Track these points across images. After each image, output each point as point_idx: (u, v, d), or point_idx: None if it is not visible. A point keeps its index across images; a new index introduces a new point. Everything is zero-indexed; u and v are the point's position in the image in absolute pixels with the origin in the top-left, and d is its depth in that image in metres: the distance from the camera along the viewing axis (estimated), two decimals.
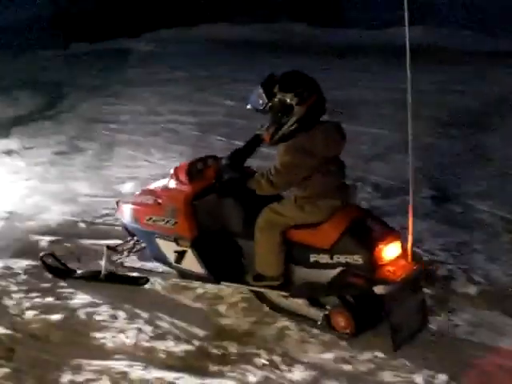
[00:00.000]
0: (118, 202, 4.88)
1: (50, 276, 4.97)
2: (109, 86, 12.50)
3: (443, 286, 4.78)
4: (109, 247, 4.82)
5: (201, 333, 4.28)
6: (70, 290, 4.77)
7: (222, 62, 14.31)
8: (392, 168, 7.34)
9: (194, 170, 4.34)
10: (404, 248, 3.85)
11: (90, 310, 4.52)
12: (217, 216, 4.29)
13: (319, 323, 4.07)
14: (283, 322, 4.34)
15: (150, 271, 4.86)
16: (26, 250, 5.39)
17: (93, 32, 18.40)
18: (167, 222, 4.32)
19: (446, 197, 6.64)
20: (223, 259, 4.31)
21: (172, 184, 4.42)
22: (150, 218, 4.41)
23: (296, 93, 3.85)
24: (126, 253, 4.89)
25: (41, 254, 5.06)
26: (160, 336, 4.22)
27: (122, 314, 4.47)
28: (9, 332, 4.24)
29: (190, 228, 4.26)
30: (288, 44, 16.79)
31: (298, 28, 18.76)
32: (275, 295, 4.28)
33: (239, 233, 4.27)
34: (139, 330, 4.29)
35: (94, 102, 11.33)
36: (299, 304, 4.20)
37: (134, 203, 4.59)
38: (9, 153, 8.48)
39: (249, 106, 4.03)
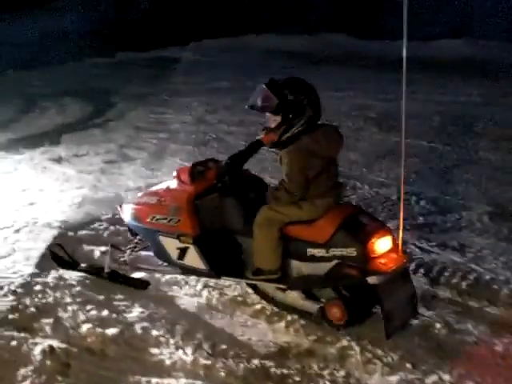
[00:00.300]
0: (120, 205, 5.04)
1: (106, 288, 4.89)
2: (156, 95, 12.54)
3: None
4: (112, 245, 5.01)
5: (261, 351, 4.16)
6: (126, 303, 4.67)
7: (267, 73, 14.10)
8: (449, 183, 7.17)
9: (195, 172, 4.51)
10: (395, 242, 4.05)
11: (146, 324, 4.41)
12: (218, 214, 4.46)
13: (314, 315, 4.28)
14: (344, 341, 4.20)
15: (153, 270, 4.95)
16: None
17: (139, 41, 18.48)
18: (170, 220, 4.49)
19: (504, 213, 6.38)
20: (224, 255, 4.47)
21: (175, 185, 4.60)
22: (154, 217, 4.58)
23: (306, 94, 4.06)
24: (128, 251, 5.03)
25: (49, 244, 5.35)
26: (219, 353, 4.10)
27: (179, 329, 4.36)
28: (64, 346, 4.13)
29: (192, 225, 4.43)
30: (328, 55, 16.70)
31: (337, 39, 18.69)
32: (272, 289, 4.48)
33: (239, 230, 4.44)
34: (198, 346, 4.17)
35: (141, 110, 11.37)
36: (295, 297, 4.39)
37: (137, 204, 4.76)
38: (59, 160, 8.46)
39: (246, 106, 4.18)
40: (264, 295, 4.60)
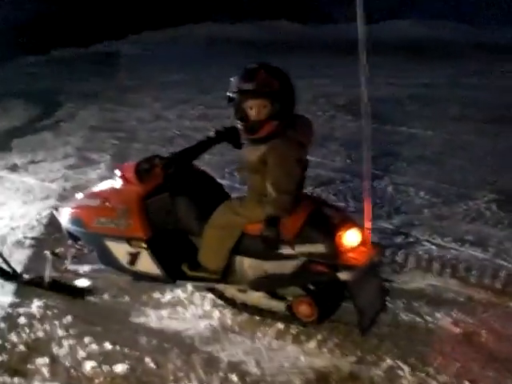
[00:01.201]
0: (56, 209, 4.79)
1: (100, 314, 4.35)
2: (105, 92, 11.81)
3: None
4: (52, 253, 4.61)
5: (298, 379, 3.64)
6: (128, 333, 4.09)
7: (216, 63, 13.76)
8: (443, 171, 6.78)
9: (141, 170, 4.19)
10: (363, 234, 3.82)
11: (158, 356, 3.84)
12: (170, 214, 4.20)
13: (281, 314, 4.04)
14: (388, 360, 3.75)
15: (95, 278, 4.62)
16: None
17: (72, 36, 17.56)
18: (118, 223, 4.18)
19: (510, 200, 6.01)
20: (178, 258, 4.22)
21: (120, 185, 4.29)
22: (99, 221, 4.26)
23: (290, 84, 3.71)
24: (69, 258, 4.68)
25: None
26: None
27: (197, 359, 3.80)
28: None
29: (143, 228, 4.14)
30: (278, 42, 16.20)
31: (281, 25, 18.22)
32: (233, 290, 4.24)
33: (193, 231, 4.16)
34: (224, 379, 3.63)
35: (92, 109, 10.67)
36: (257, 297, 4.14)
37: (78, 207, 4.44)
38: (14, 169, 7.66)
39: (229, 93, 3.73)
40: (223, 297, 4.31)
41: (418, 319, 4.16)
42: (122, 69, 14.20)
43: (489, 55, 13.47)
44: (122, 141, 8.65)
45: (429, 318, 4.19)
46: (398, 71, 11.52)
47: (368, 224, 3.95)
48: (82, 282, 4.67)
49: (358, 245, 3.81)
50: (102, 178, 6.81)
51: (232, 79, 3.79)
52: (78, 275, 4.67)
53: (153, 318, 4.30)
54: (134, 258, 4.24)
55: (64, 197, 6.43)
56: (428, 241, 5.21)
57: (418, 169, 6.96)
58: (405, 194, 6.24)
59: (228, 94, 3.77)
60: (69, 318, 4.24)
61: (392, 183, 6.46)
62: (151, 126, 9.35)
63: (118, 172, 4.41)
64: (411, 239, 5.24)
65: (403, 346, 3.90)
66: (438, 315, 4.21)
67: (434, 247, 5.14)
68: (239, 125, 3.83)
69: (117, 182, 4.37)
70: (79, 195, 4.68)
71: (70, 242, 4.68)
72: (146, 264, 4.22)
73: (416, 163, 7.11)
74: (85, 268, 4.71)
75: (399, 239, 5.24)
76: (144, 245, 4.17)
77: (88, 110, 10.58)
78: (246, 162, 3.92)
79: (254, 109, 3.72)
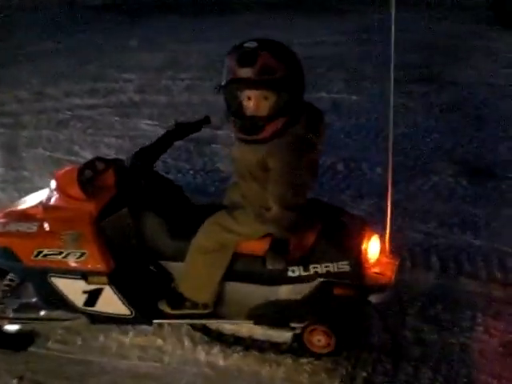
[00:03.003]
0: None
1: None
2: None
3: None
4: None
5: None
6: None
7: (87, 29, 12.41)
8: (386, 140, 6.02)
9: (84, 180, 3.25)
10: (382, 242, 3.20)
11: None
12: (132, 236, 3.34)
13: (286, 347, 3.32)
14: None
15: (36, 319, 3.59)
16: None
17: None
18: (68, 254, 3.23)
19: (477, 172, 5.45)
20: (150, 291, 3.38)
21: (59, 201, 3.33)
22: (40, 253, 3.28)
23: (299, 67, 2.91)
24: (0, 300, 3.60)
25: None
26: None
27: None
28: None
29: (104, 258, 3.23)
30: (146, 4, 15.00)
31: None
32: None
33: (165, 254, 3.32)
34: None
35: None
36: (250, 327, 3.33)
37: (4, 234, 3.40)
38: None
39: (220, 85, 2.85)
40: (205, 330, 3.51)
41: (445, 333, 3.47)
42: None
43: (372, 7, 12.90)
44: (7, 128, 7.37)
45: (457, 330, 3.56)
46: (289, 29, 10.67)
47: (388, 230, 3.24)
48: (19, 328, 3.69)
49: (379, 256, 3.20)
50: None
51: (226, 59, 2.86)
52: (13, 319, 3.66)
53: (121, 369, 3.38)
54: (92, 297, 3.34)
55: None
56: (411, 228, 4.52)
57: (362, 141, 6.28)
58: (359, 172, 5.54)
59: (222, 83, 2.87)
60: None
61: (341, 160, 5.70)
62: (36, 106, 8.10)
63: (53, 184, 3.42)
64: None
65: (444, 370, 3.31)
66: (465, 324, 3.55)
67: (419, 235, 4.47)
68: (234, 122, 2.94)
69: (54, 198, 3.39)
70: None
71: None
72: (110, 303, 3.34)
73: (355, 134, 6.42)
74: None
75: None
76: (106, 280, 3.26)
77: None
78: (239, 165, 3.06)
79: (253, 101, 2.84)
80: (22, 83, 9.12)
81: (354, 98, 7.53)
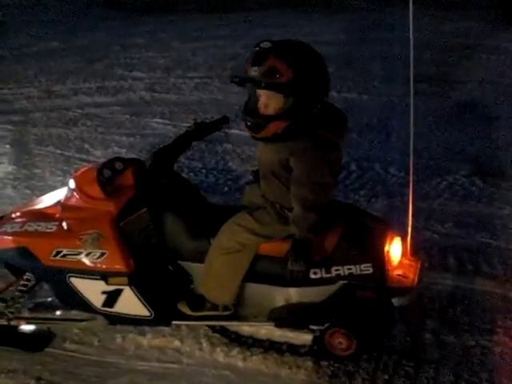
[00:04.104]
0: None
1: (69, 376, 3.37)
2: None
3: None
4: None
5: None
6: None
7: (93, 27, 12.37)
8: (401, 141, 6.03)
9: (103, 180, 3.27)
10: (404, 243, 3.14)
11: None
12: (151, 237, 3.34)
13: (306, 349, 3.29)
14: None
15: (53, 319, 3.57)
16: None
17: None
18: (89, 254, 3.20)
19: (492, 172, 5.46)
20: (170, 292, 3.37)
21: (78, 201, 3.31)
22: (59, 253, 3.25)
23: (320, 65, 2.88)
24: (16, 299, 3.56)
25: None
26: None
27: None
28: None
29: (125, 259, 3.20)
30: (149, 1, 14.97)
31: None
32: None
33: (185, 254, 3.31)
34: None
35: None
36: (270, 329, 3.30)
37: (21, 233, 3.36)
38: None
39: (233, 80, 2.85)
40: (223, 331, 3.49)
41: (465, 335, 3.46)
42: None
43: (378, 6, 12.88)
44: (17, 125, 7.35)
45: (476, 332, 3.54)
46: (294, 28, 10.65)
47: (409, 232, 3.16)
48: (35, 328, 3.66)
49: (401, 258, 3.15)
50: (8, 174, 5.69)
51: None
52: (30, 319, 3.62)
53: (139, 370, 3.39)
54: (111, 298, 3.31)
55: None
56: (427, 228, 4.50)
57: (372, 140, 6.24)
58: (372, 172, 5.51)
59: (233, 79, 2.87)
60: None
61: (353, 159, 5.67)
62: (46, 104, 8.09)
63: (72, 184, 3.39)
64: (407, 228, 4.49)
65: (465, 373, 3.27)
66: (484, 326, 3.52)
67: (436, 236, 4.45)
68: (244, 118, 2.93)
69: (73, 197, 3.36)
70: (14, 214, 3.58)
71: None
72: (130, 304, 3.32)
73: (367, 133, 6.40)
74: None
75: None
76: (126, 281, 3.23)
77: None
78: (262, 164, 3.06)
79: (262, 100, 2.85)
80: (30, 81, 9.15)
81: (365, 97, 7.49)
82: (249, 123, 2.91)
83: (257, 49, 2.79)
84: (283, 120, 2.81)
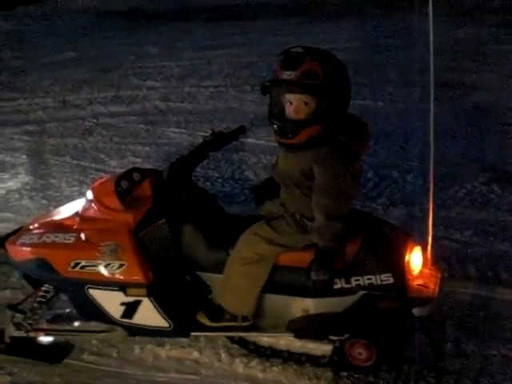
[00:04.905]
0: (4, 244, 3.57)
1: None
2: None
3: None
4: (11, 307, 3.58)
5: None
6: None
7: (104, 37, 12.39)
8: (418, 148, 5.90)
9: (121, 191, 3.28)
10: (425, 253, 3.13)
11: None
12: (170, 248, 3.33)
13: (326, 360, 3.26)
14: None
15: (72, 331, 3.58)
16: None
17: None
18: (107, 266, 3.20)
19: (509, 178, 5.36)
20: (187, 303, 3.35)
21: (96, 212, 3.32)
22: (78, 264, 3.25)
23: (345, 72, 2.96)
24: (35, 311, 3.59)
25: None
26: None
27: None
28: None
29: (144, 270, 3.20)
30: (160, 10, 15.04)
31: None
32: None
33: (203, 265, 3.32)
34: None
35: None
36: (289, 339, 3.31)
37: (39, 245, 3.37)
38: None
39: (263, 84, 2.91)
40: (242, 342, 3.48)
41: (485, 344, 3.45)
42: (1, 48, 12.50)
43: (390, 12, 12.80)
44: (33, 136, 7.37)
45: (497, 341, 3.52)
46: (306, 35, 10.64)
47: (430, 241, 3.16)
48: (54, 340, 3.67)
49: (422, 268, 3.15)
50: (25, 185, 5.71)
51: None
52: (48, 331, 3.64)
53: (158, 381, 3.43)
54: (130, 309, 3.32)
55: None
56: (446, 237, 4.46)
57: (389, 147, 6.22)
58: (390, 180, 5.48)
59: (265, 83, 2.90)
60: None
61: (370, 167, 5.64)
62: (61, 114, 8.11)
63: (90, 195, 3.40)
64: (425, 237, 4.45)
65: (486, 382, 3.25)
66: (505, 335, 3.53)
67: (455, 245, 4.41)
68: (273, 125, 2.94)
69: (91, 209, 3.37)
70: (32, 225, 3.58)
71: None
72: (149, 315, 3.32)
73: (383, 141, 6.37)
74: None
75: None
76: (145, 292, 3.23)
77: None
78: (281, 172, 3.04)
79: (294, 105, 2.86)
80: (45, 91, 9.16)
81: (381, 104, 7.45)
82: (278, 129, 2.90)
83: (289, 54, 2.85)
84: (318, 124, 2.83)
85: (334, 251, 2.89)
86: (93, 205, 3.38)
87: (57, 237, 3.37)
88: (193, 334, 3.38)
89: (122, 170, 3.57)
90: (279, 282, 3.15)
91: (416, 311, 3.01)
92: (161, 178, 3.39)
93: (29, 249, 3.43)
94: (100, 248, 3.23)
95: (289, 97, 2.87)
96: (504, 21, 10.90)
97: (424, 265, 3.17)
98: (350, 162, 2.91)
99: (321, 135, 2.86)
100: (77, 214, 3.47)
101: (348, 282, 3.04)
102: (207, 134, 3.56)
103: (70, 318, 3.60)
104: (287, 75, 2.79)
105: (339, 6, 13.50)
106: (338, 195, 2.87)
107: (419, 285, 3.07)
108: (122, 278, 3.23)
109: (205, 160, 3.54)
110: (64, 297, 3.67)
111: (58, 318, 3.65)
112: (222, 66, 9.60)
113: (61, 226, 3.45)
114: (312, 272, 2.87)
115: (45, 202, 5.53)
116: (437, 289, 3.08)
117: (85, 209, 3.43)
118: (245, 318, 3.25)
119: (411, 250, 3.10)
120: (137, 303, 3.29)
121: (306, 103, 2.84)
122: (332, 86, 2.80)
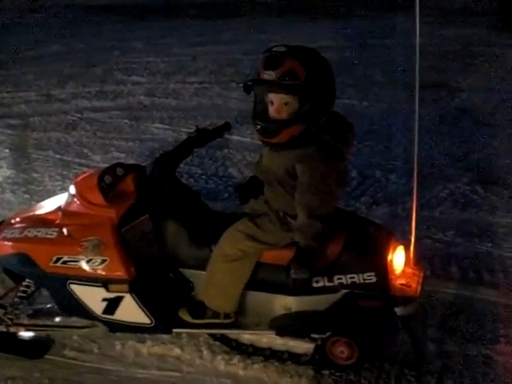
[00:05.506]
0: None
1: None
2: None
3: None
4: None
5: None
6: None
7: (91, 31, 12.32)
8: (402, 148, 6.04)
9: (104, 186, 3.23)
10: (407, 252, 3.12)
11: None
12: (152, 244, 3.31)
13: (307, 358, 3.23)
14: None
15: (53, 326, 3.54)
16: None
17: None
18: (90, 261, 3.16)
19: (492, 179, 5.43)
20: (170, 300, 3.32)
21: (79, 207, 3.28)
22: (60, 259, 3.21)
23: (329, 70, 2.93)
24: (15, 306, 3.56)
25: None
26: None
27: None
28: None
29: (126, 266, 3.16)
30: (152, 6, 14.94)
31: None
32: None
33: (186, 262, 3.29)
34: None
35: None
36: (271, 337, 3.27)
37: (20, 239, 3.33)
38: None
39: (247, 83, 2.89)
40: (224, 339, 3.44)
41: (467, 345, 3.46)
42: None
43: (377, 12, 12.83)
44: (16, 129, 7.31)
45: (479, 341, 3.51)
46: (293, 34, 10.63)
47: (413, 240, 3.13)
48: (34, 335, 3.64)
49: (404, 267, 3.13)
50: (7, 179, 5.67)
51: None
52: (29, 326, 3.60)
53: (139, 378, 3.40)
54: (112, 305, 3.28)
55: None
56: (429, 237, 4.47)
57: (373, 147, 6.23)
58: (373, 179, 5.49)
59: (247, 82, 2.88)
60: None
61: (354, 166, 5.64)
62: (44, 108, 8.05)
63: (73, 189, 3.37)
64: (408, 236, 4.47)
65: (468, 383, 3.24)
66: (487, 336, 3.52)
67: (438, 244, 4.42)
68: (255, 123, 2.93)
69: (74, 203, 3.33)
70: (14, 219, 3.55)
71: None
72: (130, 312, 3.28)
73: (367, 140, 6.38)
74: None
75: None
76: (127, 288, 3.20)
77: None
78: (265, 170, 3.04)
79: (275, 105, 2.85)
80: (28, 85, 9.10)
81: (365, 104, 7.46)
82: (261, 129, 2.89)
83: (271, 53, 2.82)
84: (299, 124, 2.81)
85: (315, 250, 2.88)
86: (75, 200, 3.34)
87: (39, 231, 3.33)
88: (175, 330, 3.36)
89: (106, 165, 3.52)
90: (262, 279, 3.14)
91: (398, 310, 2.99)
92: (144, 174, 3.37)
93: (10, 243, 3.39)
94: (82, 243, 3.19)
95: (270, 96, 2.85)
96: (490, 23, 10.93)
97: (406, 264, 3.16)
98: (334, 162, 2.89)
99: (303, 135, 2.84)
100: (59, 208, 3.43)
101: (331, 280, 3.02)
102: (191, 131, 3.55)
103: (51, 314, 3.55)
104: (268, 75, 2.77)
105: (326, 5, 13.49)
106: (321, 194, 2.86)
107: (402, 284, 3.04)
108: (104, 273, 3.18)
109: (189, 156, 3.51)
110: (45, 292, 3.63)
111: (39, 314, 3.60)
112: (207, 62, 9.57)
113: (43, 221, 3.41)
114: (292, 270, 2.87)
115: (27, 196, 5.49)
116: (419, 288, 3.07)
117: (67, 203, 3.39)
118: (227, 315, 3.23)
119: (394, 250, 3.09)
120: (119, 299, 3.25)
121: (287, 103, 2.82)
122: (315, 86, 2.77)
